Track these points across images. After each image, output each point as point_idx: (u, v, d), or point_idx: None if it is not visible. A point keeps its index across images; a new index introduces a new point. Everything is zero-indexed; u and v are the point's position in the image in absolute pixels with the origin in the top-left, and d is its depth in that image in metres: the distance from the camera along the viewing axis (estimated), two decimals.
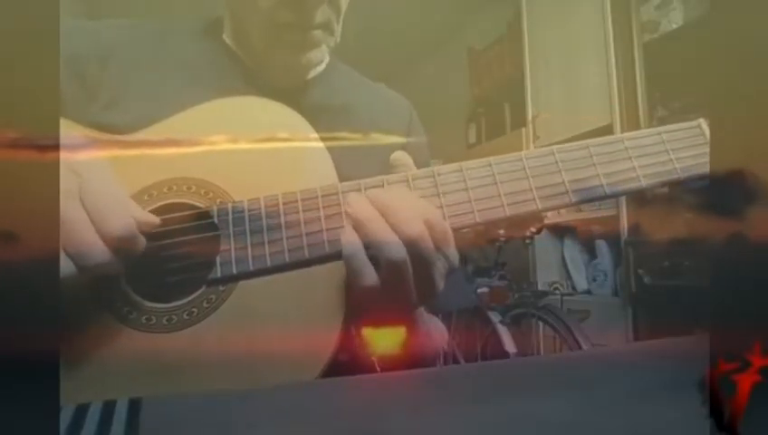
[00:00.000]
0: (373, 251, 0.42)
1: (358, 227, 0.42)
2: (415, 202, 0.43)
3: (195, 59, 0.60)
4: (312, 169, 0.48)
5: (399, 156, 0.46)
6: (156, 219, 0.43)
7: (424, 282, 0.43)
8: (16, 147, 0.35)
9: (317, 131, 0.50)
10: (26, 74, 0.37)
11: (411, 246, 0.41)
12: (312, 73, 0.63)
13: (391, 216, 0.42)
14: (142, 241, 0.41)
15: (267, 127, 0.50)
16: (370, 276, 0.42)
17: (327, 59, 0.65)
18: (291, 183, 0.45)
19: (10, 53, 0.36)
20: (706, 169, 0.46)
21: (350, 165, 0.47)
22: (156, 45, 0.59)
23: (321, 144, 0.49)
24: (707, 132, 0.47)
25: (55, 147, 0.38)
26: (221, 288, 0.44)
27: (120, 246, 0.40)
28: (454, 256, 0.43)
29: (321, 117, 0.50)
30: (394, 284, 0.42)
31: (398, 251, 0.41)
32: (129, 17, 0.62)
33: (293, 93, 0.54)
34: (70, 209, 0.39)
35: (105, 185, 0.41)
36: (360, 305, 0.44)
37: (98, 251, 0.39)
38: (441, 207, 0.44)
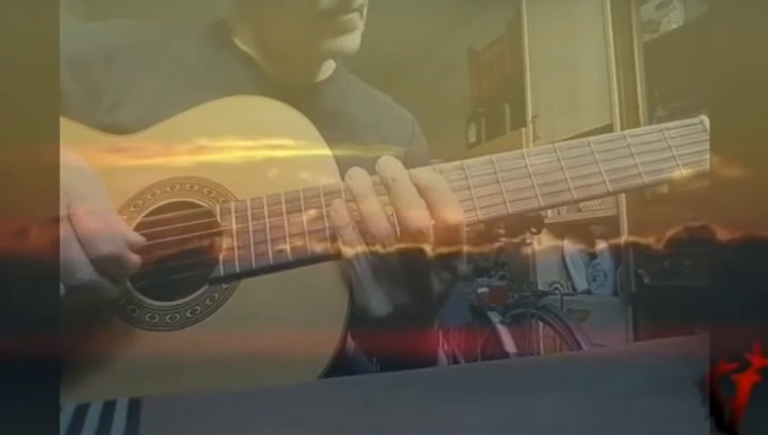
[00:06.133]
0: (362, 226, 0.42)
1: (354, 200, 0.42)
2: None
3: (199, 59, 0.60)
4: (315, 169, 0.48)
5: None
6: (141, 239, 0.42)
7: (416, 268, 0.42)
8: (17, 147, 0.35)
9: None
10: (27, 75, 0.37)
11: (404, 221, 0.41)
12: (317, 79, 0.63)
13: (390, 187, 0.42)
14: (134, 260, 0.41)
15: (271, 126, 0.50)
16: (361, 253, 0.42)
17: (333, 65, 0.65)
18: (294, 182, 0.45)
19: (10, 53, 0.36)
20: (708, 167, 0.45)
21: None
22: (160, 45, 0.59)
23: (324, 144, 0.49)
24: (709, 129, 0.47)
25: (56, 147, 0.38)
26: (224, 286, 0.44)
27: (111, 266, 0.39)
28: (459, 257, 0.43)
29: (324, 122, 0.50)
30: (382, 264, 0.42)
31: (386, 228, 0.41)
32: (133, 18, 0.62)
33: (297, 98, 0.54)
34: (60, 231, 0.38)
35: (95, 204, 0.40)
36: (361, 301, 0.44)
37: (87, 272, 0.38)
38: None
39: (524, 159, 0.45)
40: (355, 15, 0.55)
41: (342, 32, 0.56)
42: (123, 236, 0.41)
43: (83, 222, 0.39)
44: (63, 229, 0.38)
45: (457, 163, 0.45)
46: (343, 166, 0.48)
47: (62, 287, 0.38)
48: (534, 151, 0.46)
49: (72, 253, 0.38)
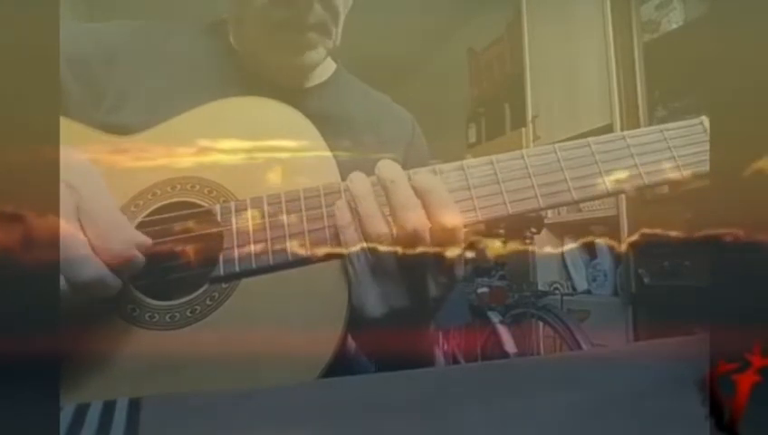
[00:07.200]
0: (361, 227, 0.42)
1: (354, 204, 0.42)
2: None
3: (199, 60, 0.60)
4: (315, 169, 0.48)
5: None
6: (148, 240, 0.42)
7: (413, 271, 0.42)
8: (17, 147, 0.35)
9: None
10: (27, 75, 0.37)
11: (402, 225, 0.41)
12: (317, 81, 0.63)
13: (390, 191, 0.42)
14: (140, 259, 0.40)
15: (271, 127, 0.50)
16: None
17: (333, 67, 0.65)
18: (294, 182, 0.46)
19: (10, 54, 0.36)
20: (708, 167, 0.46)
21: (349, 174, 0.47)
22: (161, 46, 0.59)
23: (325, 145, 0.49)
24: (709, 130, 0.47)
25: (55, 147, 0.38)
26: (224, 286, 0.44)
27: (119, 265, 0.39)
28: (456, 259, 0.43)
29: (324, 124, 0.50)
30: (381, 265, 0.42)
31: (384, 229, 0.41)
32: (134, 19, 0.62)
33: (296, 100, 0.55)
34: (67, 228, 0.38)
35: (103, 203, 0.40)
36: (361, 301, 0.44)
37: (95, 270, 0.38)
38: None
39: (524, 159, 0.46)
40: (312, 33, 0.55)
41: (300, 47, 0.56)
42: (130, 233, 0.40)
43: (90, 217, 0.39)
44: (68, 225, 0.38)
45: (457, 164, 0.45)
46: (343, 167, 0.48)
47: (63, 285, 0.38)
48: (534, 152, 0.46)
49: (77, 249, 0.38)
